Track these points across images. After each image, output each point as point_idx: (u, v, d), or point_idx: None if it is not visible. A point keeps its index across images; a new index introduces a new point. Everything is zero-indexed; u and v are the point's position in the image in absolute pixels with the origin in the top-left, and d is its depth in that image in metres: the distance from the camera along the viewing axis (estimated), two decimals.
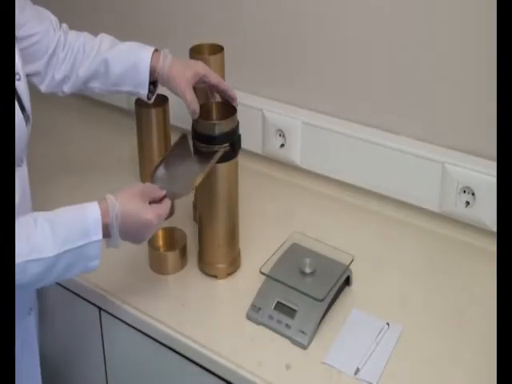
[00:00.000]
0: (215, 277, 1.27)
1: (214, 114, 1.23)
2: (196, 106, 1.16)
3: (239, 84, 1.59)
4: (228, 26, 1.59)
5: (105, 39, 1.27)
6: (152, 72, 1.23)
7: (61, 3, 1.93)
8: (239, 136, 1.20)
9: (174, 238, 1.33)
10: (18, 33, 1.14)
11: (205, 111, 1.20)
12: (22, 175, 1.09)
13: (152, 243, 1.30)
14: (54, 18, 1.27)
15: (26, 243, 0.94)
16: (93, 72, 1.25)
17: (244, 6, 1.56)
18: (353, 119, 1.48)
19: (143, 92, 1.24)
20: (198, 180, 1.12)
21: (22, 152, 1.07)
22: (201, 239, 1.28)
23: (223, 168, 1.19)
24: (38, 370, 1.27)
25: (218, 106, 1.24)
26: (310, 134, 1.51)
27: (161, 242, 1.34)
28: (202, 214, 1.25)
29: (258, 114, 1.57)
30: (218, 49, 1.36)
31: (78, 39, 1.27)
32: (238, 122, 1.20)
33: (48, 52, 1.24)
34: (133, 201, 1.04)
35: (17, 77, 1.04)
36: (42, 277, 0.97)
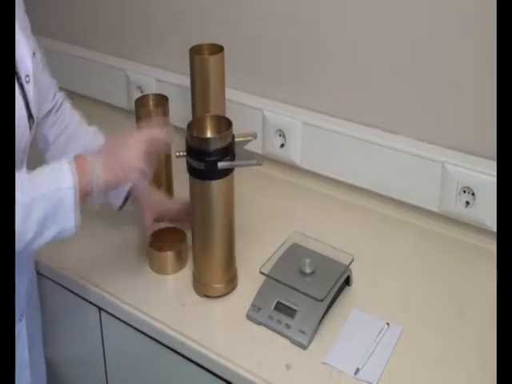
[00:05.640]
0: (211, 297, 1.24)
1: (209, 129, 1.18)
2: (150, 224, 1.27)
3: (239, 84, 1.59)
4: (228, 26, 1.59)
5: (99, 135, 1.32)
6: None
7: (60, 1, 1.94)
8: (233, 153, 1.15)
9: (174, 238, 1.33)
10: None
11: (199, 126, 1.17)
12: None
13: (152, 243, 1.30)
14: (54, 81, 1.30)
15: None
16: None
17: (244, 6, 1.55)
18: (353, 119, 1.48)
19: (116, 203, 1.30)
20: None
21: (22, 156, 1.07)
22: (196, 261, 1.23)
23: (218, 186, 1.14)
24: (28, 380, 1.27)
25: (212, 120, 1.19)
26: (310, 133, 1.51)
27: (161, 242, 1.34)
28: (197, 234, 1.21)
29: (258, 114, 1.57)
30: (218, 49, 1.36)
31: (74, 115, 1.32)
32: (234, 137, 1.15)
33: (46, 101, 1.24)
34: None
35: (26, 79, 1.04)
36: (21, 229, 0.93)
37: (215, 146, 1.10)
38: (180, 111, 1.53)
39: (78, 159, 1.00)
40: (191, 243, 1.31)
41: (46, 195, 0.95)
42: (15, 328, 1.17)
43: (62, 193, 0.96)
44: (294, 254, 1.24)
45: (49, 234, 0.97)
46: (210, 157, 1.11)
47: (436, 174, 1.36)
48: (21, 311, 1.19)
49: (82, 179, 0.98)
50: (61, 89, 1.33)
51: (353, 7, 1.40)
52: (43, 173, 0.98)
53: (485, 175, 1.29)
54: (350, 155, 1.47)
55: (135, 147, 1.04)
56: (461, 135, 1.35)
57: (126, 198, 1.31)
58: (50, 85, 1.26)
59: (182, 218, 1.32)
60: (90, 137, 1.30)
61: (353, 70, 1.45)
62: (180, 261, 1.30)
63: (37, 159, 1.31)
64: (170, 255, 1.29)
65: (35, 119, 1.08)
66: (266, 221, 1.44)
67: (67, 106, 1.32)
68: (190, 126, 1.14)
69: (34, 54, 1.09)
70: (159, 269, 1.30)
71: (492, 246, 1.31)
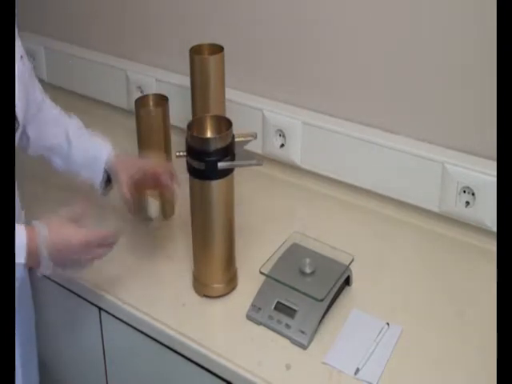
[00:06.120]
0: (211, 297, 1.24)
1: (209, 129, 1.18)
2: (129, 202, 1.22)
3: (239, 84, 1.59)
4: (228, 26, 1.59)
5: (76, 121, 1.34)
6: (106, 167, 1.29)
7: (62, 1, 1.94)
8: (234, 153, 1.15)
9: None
10: None
11: (199, 126, 1.16)
12: None
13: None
14: (39, 85, 1.30)
15: None
16: (55, 145, 1.30)
17: (244, 6, 1.55)
18: (353, 119, 1.48)
19: (97, 181, 1.30)
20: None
21: None
22: (196, 261, 1.23)
23: (218, 186, 1.14)
24: None
25: (212, 120, 1.18)
26: (310, 134, 1.51)
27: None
28: (196, 234, 1.20)
29: (258, 114, 1.57)
30: (218, 49, 1.36)
31: (54, 108, 1.32)
32: (234, 137, 1.15)
33: (36, 102, 1.24)
34: (63, 225, 1.04)
35: None
36: None
37: (215, 145, 1.10)
38: (180, 111, 1.53)
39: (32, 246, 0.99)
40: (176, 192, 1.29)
41: None
42: None
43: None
44: (293, 254, 1.24)
45: None
46: (210, 157, 1.11)
47: (436, 174, 1.36)
48: None
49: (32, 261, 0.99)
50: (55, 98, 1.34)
51: (353, 7, 1.40)
52: None
53: (485, 175, 1.29)
54: (349, 155, 1.47)
55: (79, 250, 1.06)
56: (461, 135, 1.35)
57: (109, 180, 1.31)
58: (35, 87, 1.26)
59: (165, 181, 1.27)
60: (74, 122, 1.32)
61: (353, 70, 1.45)
62: (165, 210, 1.28)
63: (35, 159, 1.31)
64: (152, 201, 1.27)
65: (20, 121, 1.07)
66: (265, 221, 1.44)
67: (48, 103, 1.32)
68: (190, 126, 1.14)
69: (21, 57, 1.10)
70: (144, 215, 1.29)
71: (492, 246, 1.31)
